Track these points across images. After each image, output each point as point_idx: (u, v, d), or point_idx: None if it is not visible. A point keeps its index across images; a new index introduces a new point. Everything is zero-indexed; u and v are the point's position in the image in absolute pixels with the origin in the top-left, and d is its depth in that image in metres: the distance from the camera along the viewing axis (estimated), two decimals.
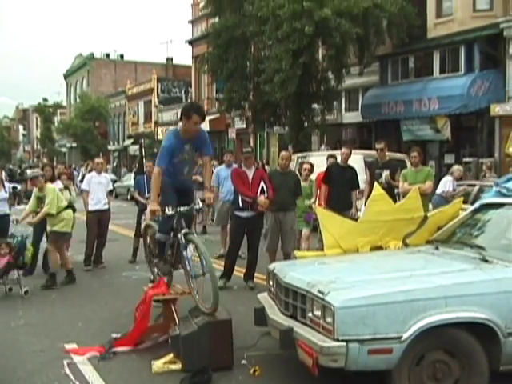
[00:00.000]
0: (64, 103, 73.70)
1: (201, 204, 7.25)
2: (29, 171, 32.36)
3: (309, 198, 11.68)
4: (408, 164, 12.98)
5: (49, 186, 10.65)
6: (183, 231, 6.95)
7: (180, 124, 7.16)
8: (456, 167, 14.04)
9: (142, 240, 9.52)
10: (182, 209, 6.98)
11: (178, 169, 7.15)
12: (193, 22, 42.45)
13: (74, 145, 61.55)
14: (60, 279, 10.67)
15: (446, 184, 13.01)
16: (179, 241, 6.99)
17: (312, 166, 12.39)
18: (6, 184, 12.85)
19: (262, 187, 9.90)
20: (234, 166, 11.93)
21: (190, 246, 6.99)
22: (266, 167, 23.81)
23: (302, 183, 11.30)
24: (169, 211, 6.89)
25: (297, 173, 11.91)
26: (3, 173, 16.16)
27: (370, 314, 4.90)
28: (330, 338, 4.93)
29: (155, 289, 7.28)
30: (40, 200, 10.58)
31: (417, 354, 5.03)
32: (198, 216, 15.81)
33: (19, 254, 10.14)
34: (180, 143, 7.03)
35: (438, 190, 12.75)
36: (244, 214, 9.96)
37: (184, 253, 6.92)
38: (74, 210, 11.08)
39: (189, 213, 7.19)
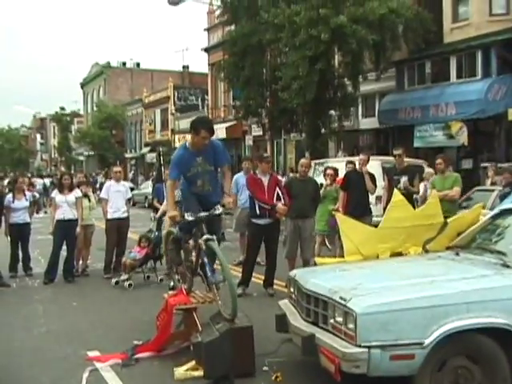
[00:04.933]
0: (81, 112, 74.31)
1: (221, 209, 7.20)
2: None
3: (335, 203, 11.69)
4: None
5: None
6: (204, 237, 6.90)
7: (189, 137, 7.20)
8: (427, 170, 14.00)
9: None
10: (202, 214, 7.01)
11: (192, 182, 7.21)
12: (209, 29, 42.73)
13: (92, 153, 62.15)
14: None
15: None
16: (200, 247, 6.98)
17: (336, 170, 12.45)
18: (27, 193, 13.04)
19: (278, 193, 9.95)
20: None
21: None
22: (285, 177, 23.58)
23: (328, 188, 11.46)
24: (188, 217, 6.95)
25: (316, 179, 11.92)
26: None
27: (392, 319, 4.91)
28: (352, 344, 4.95)
29: (176, 297, 7.28)
30: None
31: (439, 360, 5.02)
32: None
33: (156, 247, 11.49)
34: (191, 156, 7.09)
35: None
36: (262, 222, 9.99)
37: (205, 259, 6.91)
38: None
39: (209, 218, 7.14)
